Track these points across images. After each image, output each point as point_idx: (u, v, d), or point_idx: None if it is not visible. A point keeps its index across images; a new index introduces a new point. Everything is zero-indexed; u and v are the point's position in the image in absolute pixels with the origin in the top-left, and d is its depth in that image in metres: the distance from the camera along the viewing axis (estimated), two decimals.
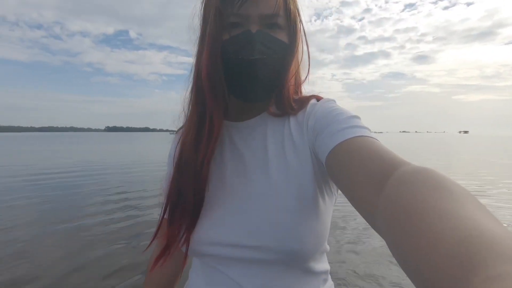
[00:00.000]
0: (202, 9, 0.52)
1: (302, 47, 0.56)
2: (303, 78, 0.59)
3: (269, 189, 0.50)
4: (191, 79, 0.54)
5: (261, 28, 0.49)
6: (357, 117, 0.47)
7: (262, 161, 0.52)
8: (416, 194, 0.26)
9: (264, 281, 0.48)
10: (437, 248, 0.20)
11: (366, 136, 0.42)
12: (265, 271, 0.48)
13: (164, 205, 0.54)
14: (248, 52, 0.47)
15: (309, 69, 0.58)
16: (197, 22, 0.53)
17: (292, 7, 0.52)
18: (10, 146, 25.36)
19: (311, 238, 0.48)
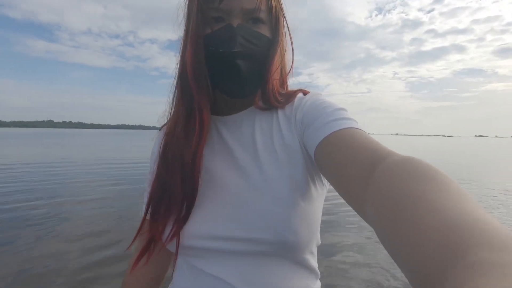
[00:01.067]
0: (186, 4, 0.52)
1: (286, 42, 0.56)
2: (288, 72, 0.59)
3: (260, 181, 0.49)
4: (176, 74, 0.54)
5: (243, 23, 0.49)
6: (343, 109, 0.47)
7: (251, 154, 0.52)
8: (404, 184, 0.27)
9: (255, 277, 0.47)
10: (427, 238, 0.21)
11: (352, 127, 0.42)
12: (259, 264, 0.47)
13: (147, 202, 0.53)
14: (229, 45, 0.47)
15: (292, 62, 0.58)
16: (182, 16, 0.53)
17: (274, 1, 0.51)
18: (106, 141, 28.77)
19: (305, 229, 0.48)
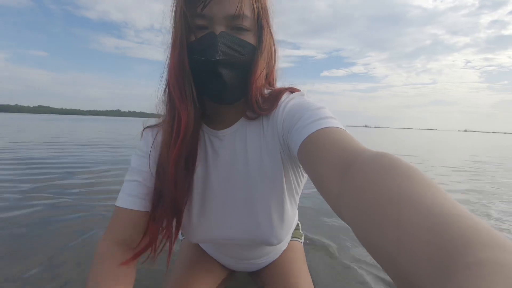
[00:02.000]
0: (173, 12, 0.53)
1: (272, 47, 0.57)
2: (274, 74, 0.61)
3: (250, 194, 0.58)
4: (164, 80, 0.55)
5: (227, 30, 0.50)
6: (323, 107, 0.49)
7: (243, 168, 0.58)
8: (378, 180, 0.27)
9: (246, 251, 0.73)
10: (411, 236, 0.20)
11: (330, 127, 0.43)
12: (249, 247, 0.71)
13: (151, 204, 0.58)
14: (211, 53, 0.48)
15: (274, 64, 0.60)
16: (169, 23, 0.54)
17: (258, 6, 0.52)
18: None
19: (287, 232, 0.64)
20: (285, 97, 0.56)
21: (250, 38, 0.52)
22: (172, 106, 0.53)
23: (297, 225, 0.93)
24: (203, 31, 0.50)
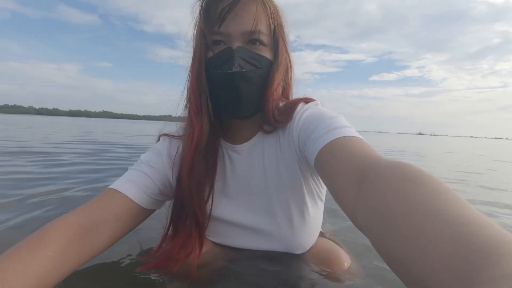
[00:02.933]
0: (194, 31, 0.56)
1: (288, 61, 0.59)
2: (290, 88, 0.63)
3: (269, 205, 0.60)
4: (185, 95, 0.58)
5: (243, 45, 0.52)
6: (337, 116, 0.50)
7: (261, 180, 0.60)
8: (394, 189, 0.27)
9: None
10: (432, 246, 0.20)
11: (345, 136, 0.44)
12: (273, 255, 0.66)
13: (169, 219, 0.60)
14: (228, 66, 0.50)
15: (290, 79, 0.62)
16: (191, 42, 0.57)
17: (274, 23, 0.54)
18: None
19: (309, 240, 0.64)
20: (300, 107, 0.57)
21: (266, 53, 0.53)
22: (190, 120, 0.55)
23: (320, 233, 0.89)
24: (221, 46, 0.52)
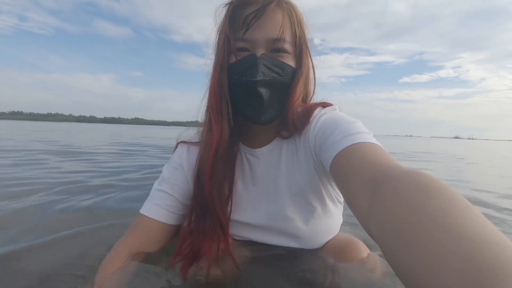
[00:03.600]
0: (217, 36, 0.57)
1: (311, 70, 0.59)
2: (311, 95, 0.62)
3: (288, 208, 0.60)
4: (205, 101, 0.59)
5: (267, 52, 0.52)
6: (355, 122, 0.49)
7: (279, 184, 0.61)
8: (408, 199, 0.26)
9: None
10: (441, 261, 0.20)
11: (360, 142, 0.43)
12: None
13: (188, 218, 0.61)
14: (252, 74, 0.50)
15: (314, 88, 0.62)
16: (212, 47, 0.58)
17: (298, 31, 0.54)
18: None
19: (326, 237, 0.64)
20: (317, 112, 0.57)
21: (289, 61, 0.54)
22: (210, 124, 0.56)
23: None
24: (244, 53, 0.52)
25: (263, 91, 0.51)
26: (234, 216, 0.63)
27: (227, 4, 0.55)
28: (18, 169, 2.14)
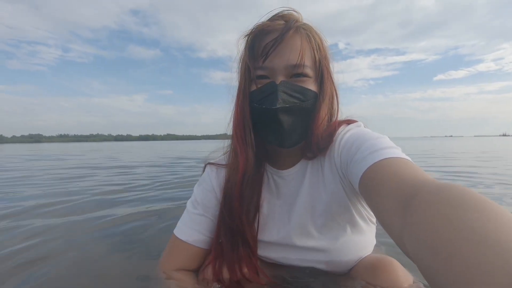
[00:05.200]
0: (239, 66, 0.59)
1: (334, 92, 0.59)
2: (335, 116, 0.61)
3: (316, 228, 0.60)
4: (230, 128, 0.61)
5: (287, 79, 0.52)
6: (381, 137, 0.48)
7: (305, 204, 0.61)
8: (444, 214, 0.25)
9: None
10: (485, 278, 0.19)
11: (389, 157, 0.42)
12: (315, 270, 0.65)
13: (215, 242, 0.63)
14: (271, 101, 0.51)
15: (336, 109, 0.61)
16: (236, 76, 0.61)
17: (318, 55, 0.54)
18: None
19: (354, 257, 0.60)
20: (341, 129, 0.56)
21: (310, 85, 0.53)
22: (236, 151, 0.58)
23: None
24: (264, 80, 0.53)
25: (284, 118, 0.52)
26: (260, 236, 0.63)
27: (247, 34, 0.56)
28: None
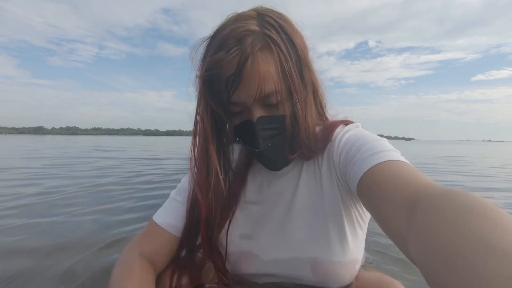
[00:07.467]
0: (198, 102, 0.54)
1: (312, 83, 0.55)
2: (325, 104, 0.60)
3: (306, 231, 0.56)
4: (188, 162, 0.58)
5: (262, 108, 0.49)
6: (381, 139, 0.47)
7: (299, 204, 0.57)
8: (449, 221, 0.25)
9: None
10: (494, 286, 0.19)
11: (390, 160, 0.41)
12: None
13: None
14: (254, 144, 0.50)
15: (319, 99, 0.58)
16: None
17: (289, 63, 0.48)
18: None
19: (347, 274, 0.55)
20: (339, 129, 0.55)
21: (286, 104, 0.49)
22: (196, 196, 0.57)
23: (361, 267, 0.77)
24: (241, 114, 0.51)
25: (269, 154, 0.52)
26: (237, 241, 0.60)
27: (200, 70, 0.50)
28: None
